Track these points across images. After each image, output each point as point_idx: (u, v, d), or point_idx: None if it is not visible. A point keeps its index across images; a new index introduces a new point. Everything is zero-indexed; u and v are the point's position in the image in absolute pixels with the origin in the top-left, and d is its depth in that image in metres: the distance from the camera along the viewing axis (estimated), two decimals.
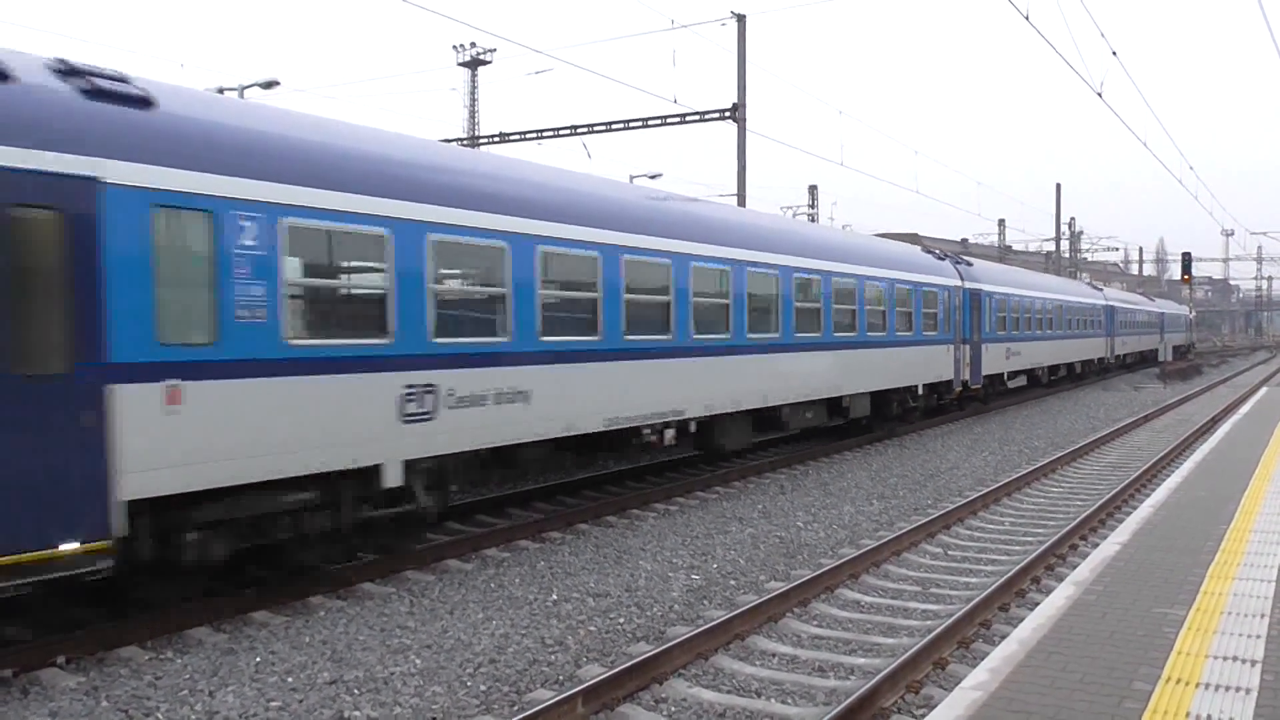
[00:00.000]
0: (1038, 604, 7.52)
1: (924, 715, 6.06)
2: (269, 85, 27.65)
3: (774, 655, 7.73)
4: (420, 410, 9.34)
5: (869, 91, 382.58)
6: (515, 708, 6.60)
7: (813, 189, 55.44)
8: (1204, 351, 74.30)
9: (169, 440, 7.32)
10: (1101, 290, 44.32)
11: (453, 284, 9.99)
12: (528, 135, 28.62)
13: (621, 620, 8.49)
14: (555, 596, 9.12)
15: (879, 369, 19.06)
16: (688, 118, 25.17)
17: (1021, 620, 6.58)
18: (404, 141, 10.14)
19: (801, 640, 8.15)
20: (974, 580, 9.95)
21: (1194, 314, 79.32)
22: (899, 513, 13.33)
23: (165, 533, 7.62)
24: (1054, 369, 34.16)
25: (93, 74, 7.45)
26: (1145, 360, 51.45)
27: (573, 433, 11.30)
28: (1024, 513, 13.46)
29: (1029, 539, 11.84)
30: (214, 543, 7.89)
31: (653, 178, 41.98)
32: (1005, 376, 27.89)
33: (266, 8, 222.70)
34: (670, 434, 13.12)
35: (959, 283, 23.39)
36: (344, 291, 8.97)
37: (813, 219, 50.60)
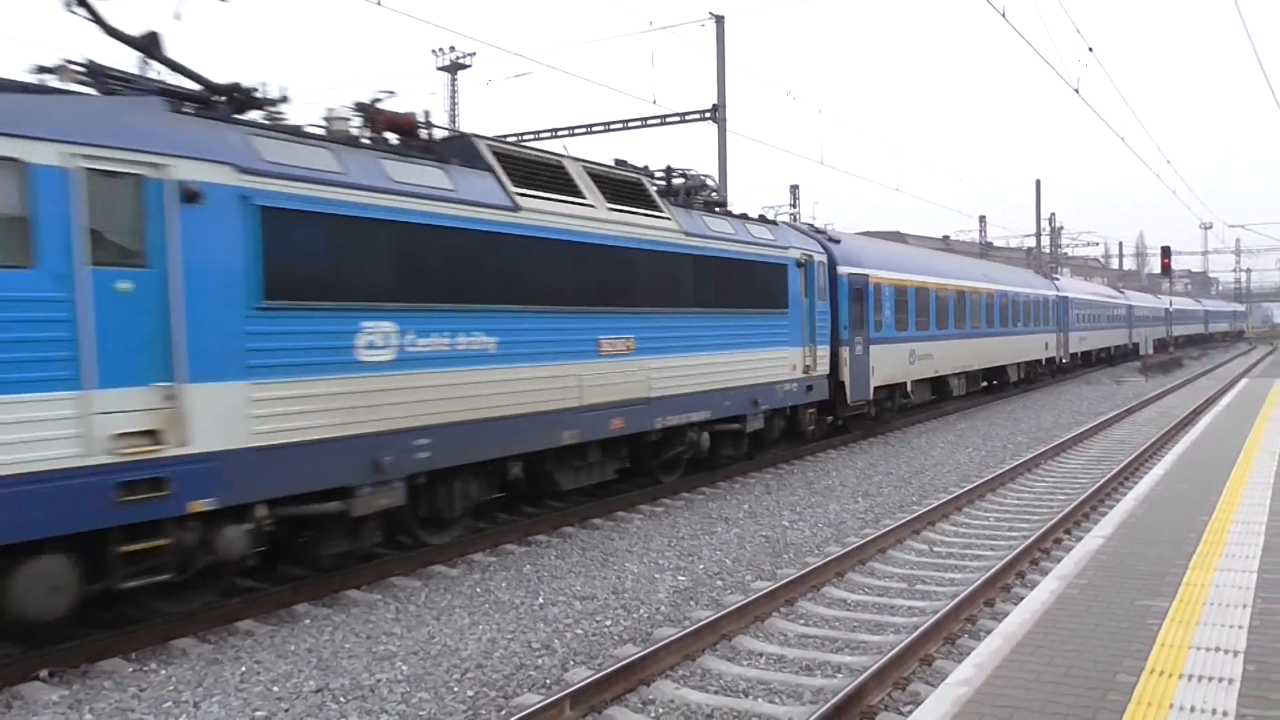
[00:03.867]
0: (1022, 598, 7.56)
1: (911, 712, 6.08)
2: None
3: (761, 655, 7.74)
4: None
5: (849, 91, 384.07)
6: (503, 712, 6.59)
7: (794, 188, 55.79)
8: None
9: None
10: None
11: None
12: (508, 139, 28.56)
13: (608, 623, 8.48)
14: (542, 600, 9.11)
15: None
16: (668, 119, 25.21)
17: (1007, 615, 6.60)
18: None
19: (788, 639, 8.16)
20: (959, 576, 9.99)
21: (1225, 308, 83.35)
22: (884, 510, 13.37)
23: None
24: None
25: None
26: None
27: None
28: (1008, 508, 13.52)
29: (1013, 534, 11.89)
30: None
31: None
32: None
33: (243, 14, 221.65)
34: None
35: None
36: None
37: (794, 218, 50.71)
